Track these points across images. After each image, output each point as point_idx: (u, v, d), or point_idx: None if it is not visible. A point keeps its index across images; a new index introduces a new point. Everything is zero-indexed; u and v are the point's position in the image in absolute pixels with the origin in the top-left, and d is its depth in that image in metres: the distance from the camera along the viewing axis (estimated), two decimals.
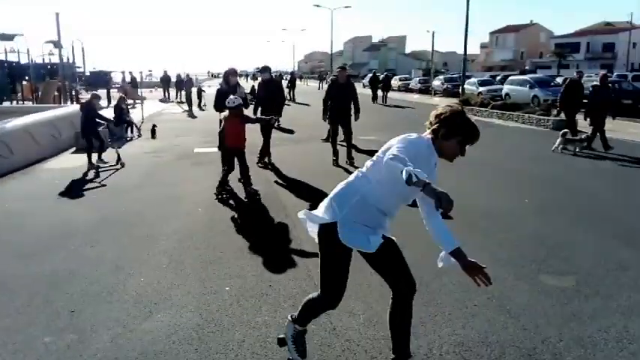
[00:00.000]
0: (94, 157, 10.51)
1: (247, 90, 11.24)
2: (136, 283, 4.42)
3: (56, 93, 26.87)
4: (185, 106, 26.40)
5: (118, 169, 10.12)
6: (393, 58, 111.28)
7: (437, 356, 3.24)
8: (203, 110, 25.52)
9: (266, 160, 10.18)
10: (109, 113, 19.41)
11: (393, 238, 3.01)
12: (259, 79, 11.36)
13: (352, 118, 10.24)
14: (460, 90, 30.52)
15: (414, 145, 2.68)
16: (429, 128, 2.87)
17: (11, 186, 8.76)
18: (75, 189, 8.39)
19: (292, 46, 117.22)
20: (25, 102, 28.65)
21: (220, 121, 7.90)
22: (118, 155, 10.79)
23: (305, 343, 3.15)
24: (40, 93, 27.55)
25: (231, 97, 7.32)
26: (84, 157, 11.74)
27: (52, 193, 8.02)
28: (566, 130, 11.97)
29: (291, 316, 3.15)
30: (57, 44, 28.09)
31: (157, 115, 21.98)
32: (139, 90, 28.84)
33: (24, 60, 31.45)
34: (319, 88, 48.31)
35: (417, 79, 51.12)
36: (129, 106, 16.16)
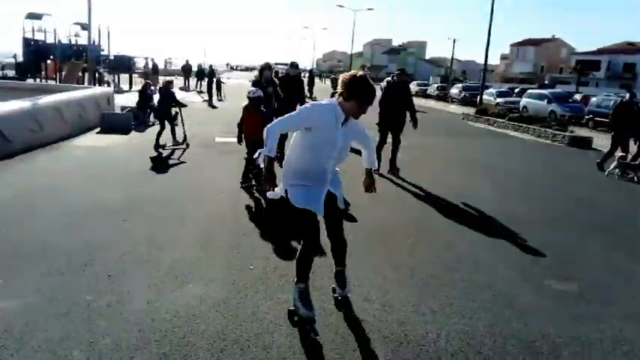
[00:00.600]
0: (162, 139, 11.08)
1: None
2: (168, 256, 4.75)
3: (80, 74, 27.37)
4: (205, 96, 26.82)
5: (185, 149, 10.84)
6: (412, 63, 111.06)
7: (444, 341, 3.52)
8: (221, 101, 25.91)
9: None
10: (131, 98, 19.91)
11: (337, 194, 3.89)
12: (278, 73, 11.48)
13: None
14: (478, 99, 30.66)
15: (313, 110, 3.47)
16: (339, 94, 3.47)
17: (43, 161, 9.13)
18: (104, 168, 8.75)
19: (312, 45, 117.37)
20: (49, 81, 29.18)
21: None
22: (185, 135, 11.70)
23: (310, 299, 3.63)
24: (64, 73, 28.04)
25: (252, 88, 7.65)
26: (109, 137, 12.15)
27: (82, 171, 8.39)
28: (623, 154, 11.14)
29: (293, 280, 3.70)
30: (85, 26, 28.60)
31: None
32: (159, 77, 29.33)
33: (50, 40, 32.02)
34: None
35: (435, 85, 51.24)
36: (153, 92, 16.49)
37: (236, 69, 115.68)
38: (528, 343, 3.56)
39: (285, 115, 3.45)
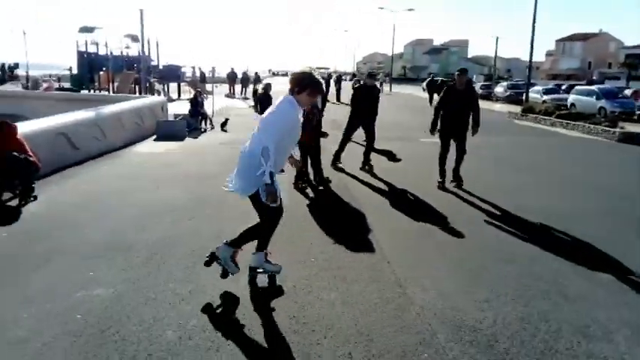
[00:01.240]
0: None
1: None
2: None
3: (132, 84, 28.60)
4: (250, 102, 27.50)
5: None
6: (454, 62, 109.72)
7: (500, 327, 3.75)
8: None
9: (339, 164, 10.04)
10: (181, 106, 20.72)
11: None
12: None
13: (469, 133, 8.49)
14: (524, 97, 30.19)
15: (284, 115, 3.90)
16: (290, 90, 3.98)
17: (108, 167, 9.76)
18: (164, 172, 9.29)
19: (353, 47, 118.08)
20: (102, 91, 30.59)
21: None
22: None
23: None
24: (116, 83, 29.35)
25: None
26: (165, 143, 12.81)
27: (145, 175, 8.96)
28: None
29: (226, 242, 4.29)
30: (135, 38, 29.91)
31: (225, 110, 23.01)
32: (207, 85, 30.25)
33: (102, 52, 33.55)
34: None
35: (479, 84, 50.54)
36: (203, 100, 17.18)
37: (277, 74, 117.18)
38: (581, 328, 3.74)
39: (268, 128, 3.81)
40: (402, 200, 7.61)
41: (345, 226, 6.18)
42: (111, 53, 31.63)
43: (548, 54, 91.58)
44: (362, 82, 10.92)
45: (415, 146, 13.49)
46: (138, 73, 28.28)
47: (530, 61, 29.83)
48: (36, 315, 3.69)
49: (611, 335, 3.66)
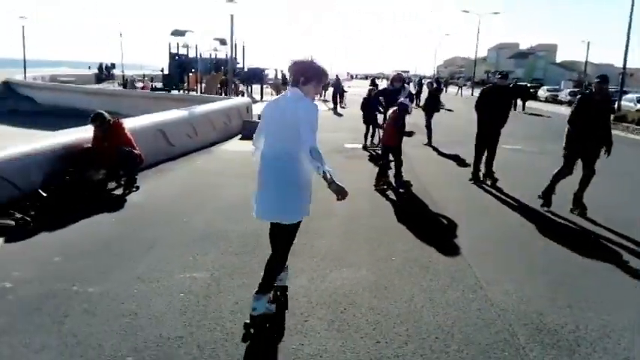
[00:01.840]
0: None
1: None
2: (321, 244, 5.42)
3: (218, 85, 29.93)
4: (330, 104, 27.94)
5: None
6: (541, 68, 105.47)
7: (583, 332, 3.76)
8: (344, 108, 26.83)
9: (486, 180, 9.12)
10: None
11: None
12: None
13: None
14: (616, 106, 28.60)
15: (314, 110, 3.41)
16: (293, 84, 3.48)
17: (200, 162, 10.40)
18: (250, 169, 9.76)
19: (434, 50, 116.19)
20: (190, 92, 32.21)
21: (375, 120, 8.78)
22: None
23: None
24: (204, 85, 30.83)
25: (402, 99, 8.16)
26: (251, 143, 13.35)
27: (233, 171, 9.48)
28: None
29: (257, 292, 3.60)
30: (223, 41, 31.27)
31: None
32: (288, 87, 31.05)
33: (192, 54, 35.32)
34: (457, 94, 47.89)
35: (568, 90, 48.31)
36: None
37: (355, 77, 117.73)
38: None
39: (307, 127, 3.29)
40: (484, 206, 7.60)
41: (425, 229, 6.29)
42: (200, 55, 33.23)
43: None
44: (491, 83, 10.11)
45: (500, 153, 13.24)
46: (225, 75, 29.52)
47: (624, 67, 28.28)
48: (145, 292, 4.13)
49: None
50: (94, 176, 7.00)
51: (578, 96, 7.88)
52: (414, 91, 25.49)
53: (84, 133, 7.69)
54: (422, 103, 14.68)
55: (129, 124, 8.81)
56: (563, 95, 46.04)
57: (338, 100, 27.46)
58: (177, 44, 36.19)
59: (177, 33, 36.84)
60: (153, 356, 3.19)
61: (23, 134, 18.56)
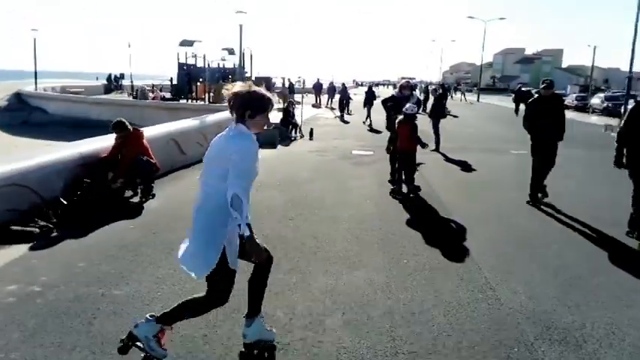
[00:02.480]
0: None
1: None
2: (333, 248, 5.59)
3: None
4: (337, 112, 28.16)
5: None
6: (547, 72, 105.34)
7: (589, 329, 3.90)
8: (350, 115, 27.03)
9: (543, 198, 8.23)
10: (272, 116, 21.72)
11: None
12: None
13: None
14: (622, 110, 28.63)
15: (250, 154, 3.00)
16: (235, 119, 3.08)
17: None
18: (260, 176, 9.95)
19: (439, 57, 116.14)
20: (199, 101, 32.52)
21: (392, 124, 8.95)
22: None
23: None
24: (212, 94, 31.12)
25: (409, 105, 8.35)
26: (260, 151, 13.55)
27: None
28: None
29: (151, 316, 3.21)
30: (231, 51, 31.60)
31: (312, 119, 23.80)
32: (295, 95, 31.33)
33: (199, 64, 35.66)
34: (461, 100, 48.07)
35: (574, 95, 48.29)
36: (294, 110, 17.98)
37: (361, 85, 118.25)
38: None
39: (235, 171, 2.89)
40: (493, 210, 7.74)
41: (434, 232, 6.44)
42: (208, 65, 33.58)
43: None
44: (537, 93, 9.14)
45: (507, 158, 13.40)
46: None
47: (631, 70, 28.31)
48: (168, 293, 4.32)
49: None
50: (112, 184, 7.21)
51: (631, 105, 7.15)
52: (421, 98, 25.76)
53: (102, 143, 7.92)
54: (428, 109, 14.86)
55: (145, 133, 9.05)
56: (570, 100, 46.02)
57: (345, 108, 27.68)
58: (186, 54, 36.58)
59: (185, 43, 37.22)
60: (180, 354, 3.37)
61: (39, 145, 18.93)
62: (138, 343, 3.16)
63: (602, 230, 6.67)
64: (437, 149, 13.87)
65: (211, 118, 13.47)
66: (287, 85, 35.34)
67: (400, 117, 8.49)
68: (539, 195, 8.08)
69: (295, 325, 3.84)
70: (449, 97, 39.33)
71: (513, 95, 35.07)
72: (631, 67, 28.11)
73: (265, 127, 3.26)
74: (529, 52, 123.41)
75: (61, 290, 4.34)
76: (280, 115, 17.72)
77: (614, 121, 24.94)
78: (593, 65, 62.78)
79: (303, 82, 29.04)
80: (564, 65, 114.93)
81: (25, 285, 4.42)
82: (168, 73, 40.82)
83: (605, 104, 36.91)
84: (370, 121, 22.15)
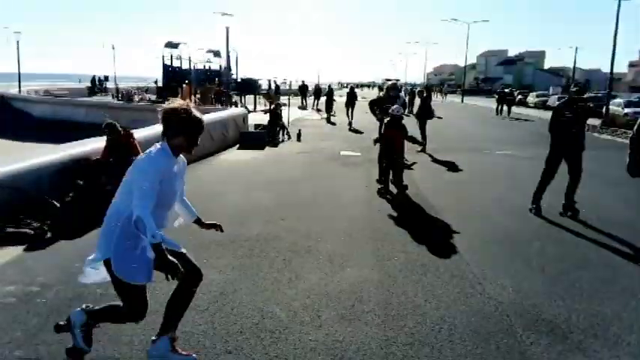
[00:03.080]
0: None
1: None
2: (325, 247, 5.71)
3: (212, 96, 30.24)
4: (323, 114, 28.30)
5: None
6: (529, 74, 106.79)
7: (575, 321, 4.06)
8: (333, 116, 27.11)
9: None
10: (257, 117, 21.80)
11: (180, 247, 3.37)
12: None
13: None
14: (604, 110, 29.18)
15: (154, 168, 2.88)
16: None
17: (201, 172, 10.66)
18: (251, 177, 10.06)
19: (424, 58, 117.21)
20: None
21: (381, 125, 9.12)
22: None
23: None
24: (198, 96, 31.12)
25: (395, 107, 8.51)
26: (249, 152, 13.71)
27: (235, 179, 9.77)
28: None
29: (85, 307, 3.29)
30: (217, 53, 31.62)
31: (299, 121, 23.90)
32: (281, 97, 31.44)
33: (185, 66, 35.64)
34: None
35: (556, 96, 48.89)
36: (282, 112, 18.07)
37: (346, 86, 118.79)
38: None
39: (137, 191, 2.83)
40: (481, 210, 7.91)
41: (424, 231, 6.59)
42: (194, 67, 33.56)
43: (632, 65, 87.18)
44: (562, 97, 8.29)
45: (492, 158, 13.64)
46: (219, 86, 29.84)
47: (612, 72, 28.90)
48: (166, 291, 4.32)
49: None
50: (104, 186, 7.24)
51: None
52: (406, 100, 25.98)
53: (93, 145, 7.95)
54: (415, 111, 15.04)
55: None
56: (552, 101, 46.67)
57: (331, 109, 27.81)
58: (171, 56, 36.54)
59: (170, 45, 37.16)
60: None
61: (26, 147, 18.76)
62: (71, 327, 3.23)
63: (582, 227, 6.88)
64: (423, 150, 14.06)
65: None
66: (273, 86, 35.46)
67: (387, 119, 8.66)
68: (568, 213, 7.26)
69: (292, 320, 3.95)
70: (434, 98, 39.67)
71: (497, 96, 35.73)
72: (612, 68, 28.67)
73: (191, 152, 3.15)
74: (512, 53, 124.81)
75: (60, 290, 4.40)
76: (267, 117, 17.83)
77: (596, 121, 25.37)
78: (574, 66, 63.82)
79: (290, 84, 29.05)
80: (546, 66, 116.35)
81: (23, 285, 4.48)
82: (153, 75, 40.71)
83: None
84: (351, 121, 22.44)
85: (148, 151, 3.05)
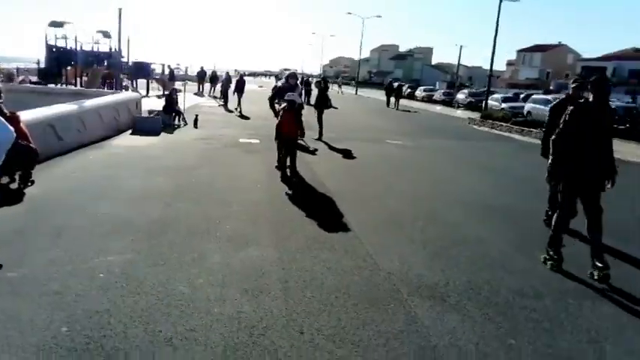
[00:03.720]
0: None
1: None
2: (225, 229, 5.86)
3: (100, 80, 28.67)
4: (220, 101, 27.98)
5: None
6: (418, 69, 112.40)
7: (452, 287, 4.59)
8: (226, 104, 26.83)
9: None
10: (150, 103, 21.13)
11: None
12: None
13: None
14: (483, 105, 31.72)
15: None
16: None
17: (92, 157, 10.25)
18: (145, 163, 9.86)
19: (320, 50, 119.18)
20: (69, 86, 30.44)
21: (277, 113, 9.34)
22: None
23: None
24: (85, 79, 29.35)
25: (291, 93, 8.78)
26: (143, 138, 13.38)
27: (127, 165, 9.52)
28: None
29: None
30: (106, 34, 29.98)
31: (195, 108, 23.46)
32: (176, 83, 30.57)
33: (71, 47, 33.28)
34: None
35: (442, 91, 52.26)
36: (177, 97, 17.68)
37: (245, 75, 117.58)
38: (517, 290, 4.63)
39: None
40: (373, 194, 8.44)
41: (321, 213, 6.94)
42: (80, 48, 31.50)
43: (509, 63, 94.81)
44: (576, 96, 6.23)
45: (383, 147, 14.41)
46: (108, 69, 28.37)
47: (491, 69, 31.41)
48: (64, 274, 4.32)
49: (542, 295, 4.56)
50: None
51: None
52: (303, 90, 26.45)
53: None
54: (313, 101, 15.44)
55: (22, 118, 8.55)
56: (438, 95, 49.78)
57: (227, 96, 27.57)
58: (55, 36, 33.93)
59: (55, 24, 34.44)
60: (85, 326, 3.47)
61: None
62: None
63: (461, 207, 7.64)
64: (320, 138, 14.53)
65: (90, 103, 12.88)
66: (167, 72, 34.37)
67: (284, 104, 8.92)
68: (596, 275, 4.96)
69: (196, 296, 4.08)
70: (330, 89, 40.61)
71: (384, 89, 37.95)
72: (491, 66, 31.17)
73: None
74: (403, 49, 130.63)
75: None
76: (162, 102, 17.36)
77: (477, 115, 27.52)
78: (459, 63, 68.23)
79: (185, 70, 28.34)
80: (434, 62, 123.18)
81: None
82: (35, 56, 37.62)
83: (468, 99, 40.55)
84: (239, 108, 23.04)
85: None
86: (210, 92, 34.61)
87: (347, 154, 12.58)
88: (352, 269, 4.84)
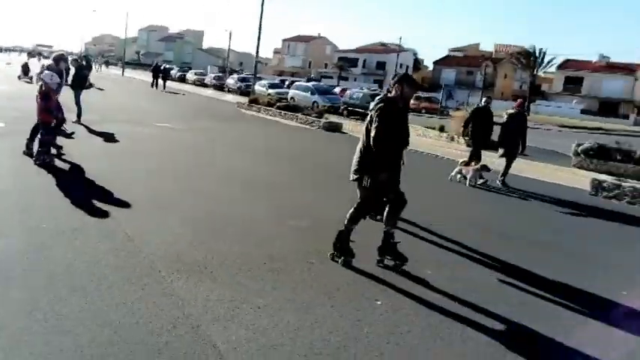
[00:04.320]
0: None
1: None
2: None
3: None
4: None
5: None
6: (189, 52, 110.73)
7: (208, 259, 4.86)
8: None
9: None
10: None
11: None
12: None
13: None
14: (251, 90, 32.96)
15: None
16: None
17: None
18: None
19: (81, 26, 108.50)
20: None
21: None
22: None
23: None
24: None
25: (46, 72, 8.02)
26: None
27: None
28: (485, 164, 10.35)
29: None
30: None
31: None
32: None
33: None
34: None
35: (213, 75, 52.56)
36: None
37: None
38: (268, 256, 5.11)
39: None
40: (135, 175, 8.25)
41: (81, 198, 6.57)
42: None
43: (276, 52, 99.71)
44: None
45: (151, 130, 14.04)
46: None
47: (257, 56, 32.80)
48: None
49: (287, 259, 5.12)
50: None
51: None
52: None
53: None
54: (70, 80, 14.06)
55: None
56: (209, 79, 50.00)
57: None
58: None
59: None
60: None
61: None
62: None
63: (227, 184, 8.01)
64: (78, 121, 13.49)
65: None
66: None
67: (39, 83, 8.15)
68: None
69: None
70: (94, 70, 37.67)
71: (151, 70, 36.99)
72: (257, 53, 32.49)
73: None
74: (173, 30, 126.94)
75: None
76: None
77: (245, 99, 28.47)
78: (229, 49, 69.08)
79: None
80: (205, 47, 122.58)
81: None
82: None
83: (238, 84, 41.69)
84: None
85: None
86: None
87: (110, 137, 11.97)
88: (109, 253, 4.75)
